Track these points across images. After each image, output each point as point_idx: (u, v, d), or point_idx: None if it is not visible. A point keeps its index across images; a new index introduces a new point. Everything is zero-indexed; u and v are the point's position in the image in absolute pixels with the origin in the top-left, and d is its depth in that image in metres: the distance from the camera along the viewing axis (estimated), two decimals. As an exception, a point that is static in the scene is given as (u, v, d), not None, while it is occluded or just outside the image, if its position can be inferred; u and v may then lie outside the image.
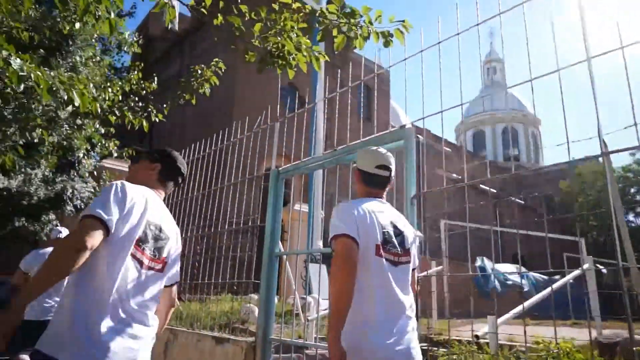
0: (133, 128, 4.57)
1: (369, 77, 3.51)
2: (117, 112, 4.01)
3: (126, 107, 4.15)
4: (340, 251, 1.74)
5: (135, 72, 5.12)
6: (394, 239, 1.91)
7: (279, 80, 5.98)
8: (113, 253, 1.58)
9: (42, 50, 7.47)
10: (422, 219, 3.00)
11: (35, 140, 5.97)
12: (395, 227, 1.96)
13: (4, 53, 2.21)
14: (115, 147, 5.70)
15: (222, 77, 4.88)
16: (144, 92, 5.13)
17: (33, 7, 5.28)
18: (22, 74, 2.22)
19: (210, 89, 4.70)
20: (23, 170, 8.85)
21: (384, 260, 1.84)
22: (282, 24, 2.61)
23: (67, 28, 4.16)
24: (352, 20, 2.40)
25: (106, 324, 1.51)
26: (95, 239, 1.50)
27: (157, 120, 4.54)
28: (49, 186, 9.69)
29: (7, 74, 2.37)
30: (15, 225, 9.49)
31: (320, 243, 6.01)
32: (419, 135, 2.92)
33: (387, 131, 3.01)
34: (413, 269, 2.02)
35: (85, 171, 10.41)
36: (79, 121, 6.97)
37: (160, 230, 1.78)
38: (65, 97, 2.41)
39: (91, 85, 3.19)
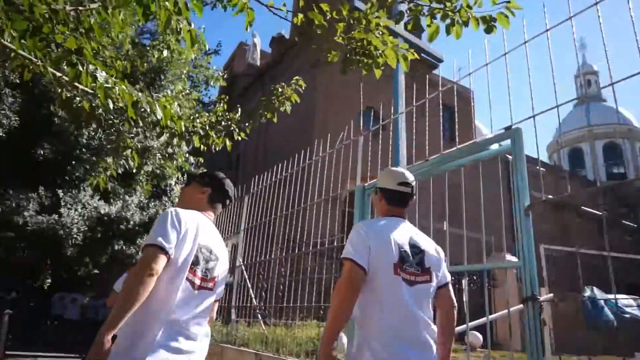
0: (217, 151, 4.60)
1: (461, 79, 3.17)
2: (201, 132, 4.05)
3: (209, 128, 4.20)
4: (345, 276, 1.82)
5: (221, 105, 5.23)
6: (411, 259, 1.92)
7: (361, 99, 5.81)
8: (170, 277, 1.73)
9: (137, 86, 8.07)
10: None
11: (134, 170, 6.32)
12: (414, 246, 1.97)
13: (91, 67, 2.23)
14: (204, 175, 5.85)
15: (302, 100, 4.79)
16: (229, 122, 5.22)
17: (129, 44, 5.66)
18: (107, 85, 2.24)
19: (291, 113, 4.64)
20: (122, 197, 9.55)
21: (400, 279, 1.85)
22: (365, 20, 2.39)
23: (156, 56, 4.34)
24: (447, 5, 2.10)
25: (156, 340, 1.64)
26: (160, 265, 1.68)
27: (240, 138, 4.54)
28: (144, 212, 10.38)
29: (95, 91, 2.40)
30: (115, 248, 10.21)
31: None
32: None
33: (494, 133, 2.64)
34: (440, 287, 2.00)
35: (175, 197, 11.01)
36: (170, 150, 7.33)
37: (211, 252, 1.91)
38: (149, 110, 2.40)
39: (176, 104, 3.20)
